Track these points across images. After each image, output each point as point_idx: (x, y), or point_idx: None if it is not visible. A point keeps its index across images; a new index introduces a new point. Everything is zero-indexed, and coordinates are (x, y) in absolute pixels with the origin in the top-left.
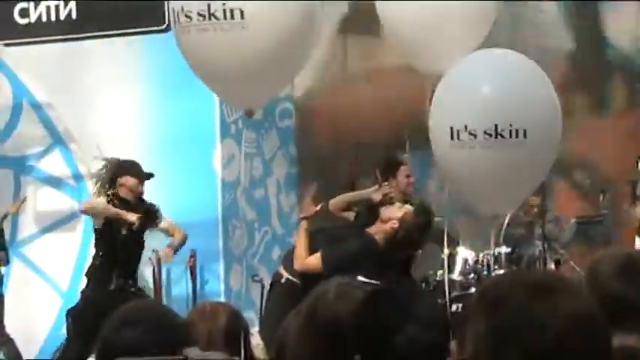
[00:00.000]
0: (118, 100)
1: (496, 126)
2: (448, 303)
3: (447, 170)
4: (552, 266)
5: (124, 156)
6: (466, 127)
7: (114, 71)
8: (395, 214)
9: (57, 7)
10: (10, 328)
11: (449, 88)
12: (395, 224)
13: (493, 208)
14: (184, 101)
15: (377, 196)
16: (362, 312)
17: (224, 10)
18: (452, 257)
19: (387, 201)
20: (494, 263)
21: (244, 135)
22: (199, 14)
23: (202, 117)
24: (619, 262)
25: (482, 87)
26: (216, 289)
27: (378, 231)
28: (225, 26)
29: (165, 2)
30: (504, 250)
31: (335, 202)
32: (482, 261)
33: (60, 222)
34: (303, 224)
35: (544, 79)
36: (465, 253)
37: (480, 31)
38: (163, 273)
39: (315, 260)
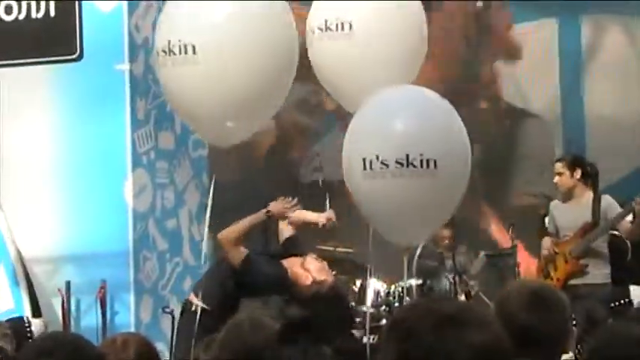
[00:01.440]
0: (28, 129)
1: (407, 156)
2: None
3: (359, 200)
4: (462, 298)
5: (34, 185)
6: (378, 156)
7: (24, 99)
8: (318, 274)
9: None
10: None
11: (362, 120)
12: (308, 281)
13: (405, 238)
14: (96, 131)
15: (322, 220)
16: (277, 343)
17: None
18: (363, 289)
19: (331, 226)
20: (406, 295)
21: (157, 165)
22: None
23: (114, 147)
24: (526, 295)
25: (394, 119)
26: (126, 320)
27: (292, 270)
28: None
29: (78, 30)
30: (415, 282)
31: (227, 235)
32: (394, 293)
33: None
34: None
35: (454, 114)
36: (376, 285)
37: (407, 75)
38: (72, 304)
39: (238, 248)
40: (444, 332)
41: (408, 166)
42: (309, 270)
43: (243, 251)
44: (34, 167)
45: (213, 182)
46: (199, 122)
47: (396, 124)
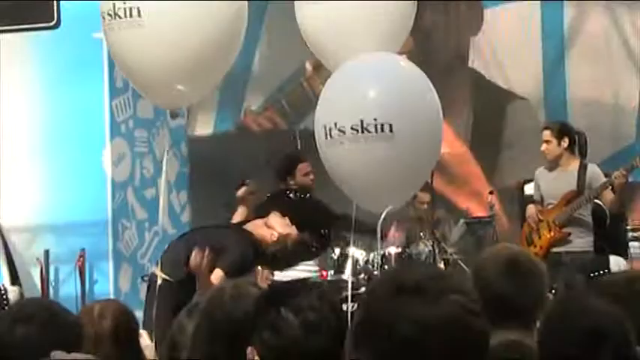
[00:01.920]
0: (5, 99)
1: (362, 121)
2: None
3: (328, 168)
4: (441, 265)
5: (12, 155)
6: (336, 124)
7: (0, 69)
8: (282, 229)
9: None
10: None
11: (328, 88)
12: (274, 237)
13: (375, 204)
14: (74, 100)
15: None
16: (256, 311)
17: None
18: (343, 257)
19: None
20: (385, 263)
21: (135, 134)
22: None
23: (92, 116)
24: (503, 262)
25: (356, 85)
26: (105, 289)
27: (257, 232)
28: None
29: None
30: (394, 249)
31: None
32: (373, 261)
33: None
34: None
35: (421, 81)
36: (355, 253)
37: (392, 44)
38: (51, 273)
39: (218, 278)
40: (399, 301)
41: (363, 132)
42: (272, 227)
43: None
44: (12, 136)
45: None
46: (149, 87)
47: (355, 91)
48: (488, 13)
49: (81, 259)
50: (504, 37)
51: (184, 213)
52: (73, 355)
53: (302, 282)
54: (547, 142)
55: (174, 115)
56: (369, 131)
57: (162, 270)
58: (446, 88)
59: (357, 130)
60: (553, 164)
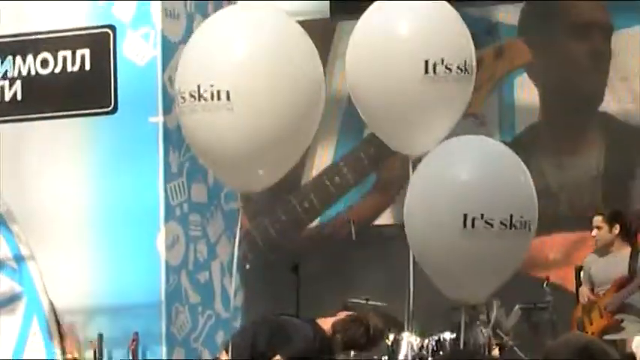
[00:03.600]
0: (63, 181)
1: (198, 87)
2: None
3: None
4: (496, 352)
5: (67, 236)
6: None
7: (59, 152)
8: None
9: (2, 88)
10: None
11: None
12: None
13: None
14: (129, 184)
15: None
16: None
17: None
18: (397, 342)
19: None
20: (439, 349)
21: (190, 218)
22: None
23: (147, 199)
24: (576, 349)
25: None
26: None
27: (326, 327)
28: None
29: (112, 84)
30: (449, 335)
31: None
32: (427, 346)
33: (1, 303)
34: None
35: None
36: (409, 338)
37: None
38: (105, 356)
39: None
40: None
41: (199, 99)
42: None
43: None
44: (68, 219)
45: (237, 234)
46: (228, 169)
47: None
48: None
49: (134, 342)
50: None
51: (237, 297)
52: None
53: None
54: (598, 227)
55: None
56: (205, 99)
57: (229, 353)
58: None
59: (195, 98)
60: (604, 250)
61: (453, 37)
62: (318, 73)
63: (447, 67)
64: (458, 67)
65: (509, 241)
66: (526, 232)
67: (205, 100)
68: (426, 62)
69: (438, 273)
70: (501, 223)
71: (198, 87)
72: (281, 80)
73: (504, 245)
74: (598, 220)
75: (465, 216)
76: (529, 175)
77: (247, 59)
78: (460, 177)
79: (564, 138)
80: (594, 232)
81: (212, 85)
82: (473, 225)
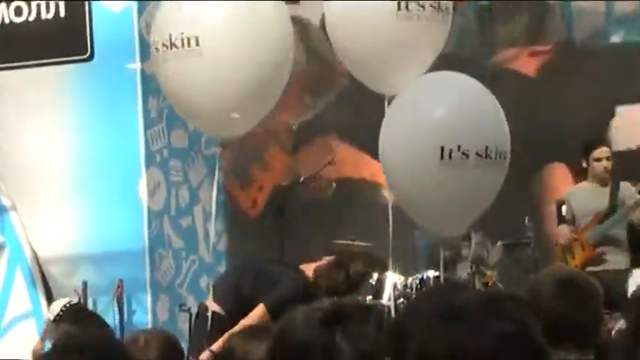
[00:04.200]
0: (41, 131)
1: (170, 36)
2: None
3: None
4: (480, 288)
5: (48, 186)
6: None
7: (36, 101)
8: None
9: None
10: None
11: None
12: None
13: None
14: (109, 131)
15: None
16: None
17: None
18: (380, 282)
19: None
20: (423, 287)
21: (170, 163)
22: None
23: (127, 146)
24: (559, 282)
25: None
26: (143, 319)
27: (309, 272)
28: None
29: (88, 31)
30: (432, 273)
31: None
32: (411, 285)
33: None
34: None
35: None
36: (393, 278)
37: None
38: (90, 304)
39: (260, 314)
40: (443, 329)
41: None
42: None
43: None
44: (48, 168)
45: (216, 178)
46: (202, 115)
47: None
48: None
49: (119, 289)
50: None
51: (221, 241)
52: None
53: (363, 307)
54: (607, 158)
55: (224, 144)
56: (176, 47)
57: (214, 300)
58: None
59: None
60: (594, 181)
61: None
62: (287, 29)
63: (420, 7)
64: (431, 5)
65: (486, 171)
66: (502, 162)
67: (177, 47)
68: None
69: (416, 206)
70: (477, 154)
71: (170, 36)
72: (247, 30)
73: (481, 175)
74: (606, 150)
75: (442, 148)
76: (501, 110)
77: (215, 8)
78: (436, 111)
79: None
80: (604, 162)
81: (182, 33)
82: (450, 156)
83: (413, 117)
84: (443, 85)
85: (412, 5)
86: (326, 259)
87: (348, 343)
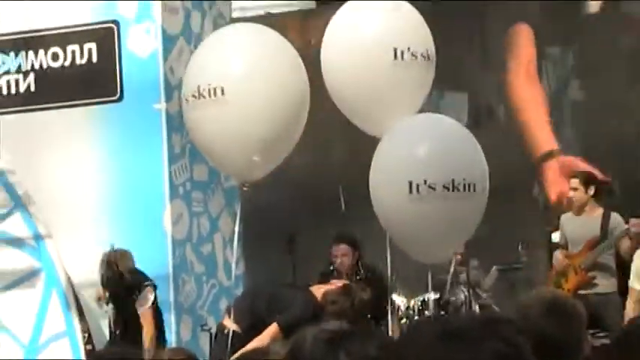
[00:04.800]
0: (75, 165)
1: (198, 87)
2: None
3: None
4: (477, 309)
5: (81, 216)
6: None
7: (71, 138)
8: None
9: (17, 81)
10: None
11: None
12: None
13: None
14: (136, 166)
15: None
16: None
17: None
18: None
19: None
20: (424, 309)
21: (192, 195)
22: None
23: (152, 179)
24: (546, 304)
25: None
26: (168, 338)
27: (319, 294)
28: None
29: (118, 74)
30: (432, 296)
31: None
32: (413, 307)
33: (21, 279)
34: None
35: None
36: (397, 300)
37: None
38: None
39: (274, 332)
40: (441, 348)
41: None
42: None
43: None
44: (81, 200)
45: (238, 211)
46: (226, 159)
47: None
48: None
49: None
50: None
51: (239, 267)
52: None
53: (364, 328)
54: (575, 189)
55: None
56: (204, 96)
57: (231, 319)
58: None
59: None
60: (579, 210)
61: (418, 28)
62: (303, 81)
63: (413, 55)
64: (421, 55)
65: (454, 202)
66: (472, 193)
67: (204, 97)
68: (395, 50)
69: (396, 236)
70: (444, 186)
71: (198, 87)
72: (267, 79)
73: (450, 206)
74: (574, 182)
75: (410, 183)
76: (475, 144)
77: (240, 64)
78: (405, 149)
79: None
80: (571, 193)
81: (209, 84)
82: (418, 190)
83: (386, 156)
84: (419, 126)
85: (407, 55)
86: (334, 283)
87: None
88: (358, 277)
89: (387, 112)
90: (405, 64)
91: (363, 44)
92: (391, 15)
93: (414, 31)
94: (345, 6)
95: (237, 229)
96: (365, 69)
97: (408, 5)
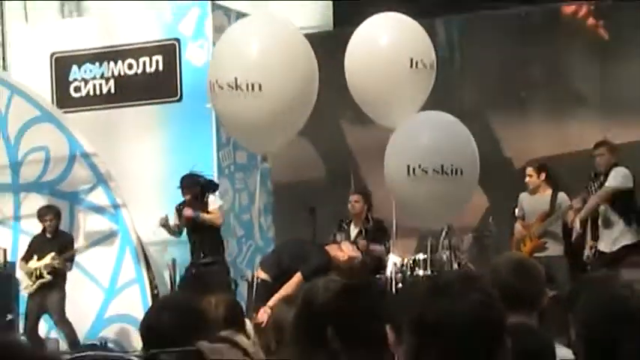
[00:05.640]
0: (143, 151)
1: (236, 79)
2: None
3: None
4: (455, 266)
5: (148, 191)
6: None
7: (141, 129)
8: (350, 253)
9: (100, 85)
10: (68, 314)
11: None
12: (344, 258)
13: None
14: (192, 151)
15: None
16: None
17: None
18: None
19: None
20: (415, 265)
21: (235, 175)
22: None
23: (204, 162)
24: (513, 265)
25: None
26: None
27: (332, 252)
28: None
29: (178, 79)
30: (421, 256)
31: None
32: (406, 264)
33: (102, 238)
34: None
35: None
36: (394, 258)
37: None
38: (177, 274)
39: (298, 280)
40: (434, 298)
41: (236, 88)
42: (344, 251)
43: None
44: (149, 177)
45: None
46: (252, 136)
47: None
48: None
49: None
50: None
51: (270, 231)
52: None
53: (370, 280)
54: (530, 175)
55: (265, 159)
56: (241, 89)
57: (262, 271)
58: None
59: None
60: (534, 191)
61: (425, 42)
62: (315, 68)
63: (423, 65)
64: (430, 64)
65: (443, 183)
66: (459, 176)
67: (242, 90)
68: (411, 59)
69: (400, 207)
70: (434, 170)
71: (236, 79)
72: (296, 78)
73: (439, 187)
74: (529, 170)
75: (408, 166)
76: (468, 136)
77: (275, 63)
78: (406, 139)
79: None
80: (527, 178)
81: (247, 79)
82: (414, 173)
83: (393, 144)
84: (421, 121)
85: (420, 64)
86: (345, 243)
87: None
88: (367, 225)
89: (401, 110)
90: (418, 71)
91: (383, 54)
92: (405, 30)
93: (423, 44)
94: (365, 23)
95: (257, 204)
96: (386, 75)
97: (412, 21)
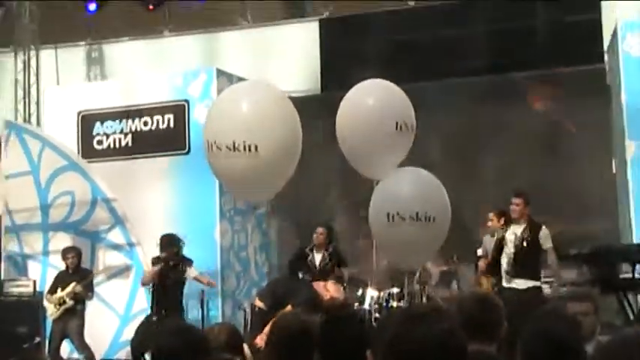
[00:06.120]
0: (156, 196)
1: (234, 142)
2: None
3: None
4: (425, 300)
5: (158, 231)
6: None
7: (154, 177)
8: (334, 293)
9: (119, 139)
10: (88, 338)
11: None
12: (327, 297)
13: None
14: (197, 196)
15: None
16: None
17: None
18: (363, 295)
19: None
20: (390, 298)
21: (235, 218)
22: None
23: (208, 206)
24: (477, 299)
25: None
26: (216, 314)
27: (319, 289)
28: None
29: (187, 135)
30: (395, 290)
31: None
32: (382, 297)
33: (119, 272)
34: None
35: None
36: (372, 292)
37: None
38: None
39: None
40: (407, 326)
41: (234, 150)
42: (329, 291)
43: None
44: (159, 219)
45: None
46: (245, 189)
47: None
48: None
49: (202, 296)
50: None
51: (264, 267)
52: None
53: (350, 310)
54: (491, 220)
55: (257, 207)
56: (238, 150)
57: (259, 300)
58: None
59: (233, 148)
60: (494, 233)
61: (408, 106)
62: (298, 131)
63: (406, 127)
64: (411, 126)
65: (417, 229)
66: (431, 223)
67: (239, 151)
68: (396, 123)
69: (384, 250)
70: (410, 217)
71: (234, 142)
72: (287, 139)
73: (414, 232)
74: (491, 215)
75: (388, 214)
76: (440, 188)
77: (270, 127)
78: (387, 190)
79: None
80: (489, 223)
81: (244, 141)
82: (393, 219)
83: (377, 194)
84: (400, 176)
85: (403, 127)
86: (331, 282)
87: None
88: (329, 250)
89: (384, 165)
90: (402, 133)
91: (372, 117)
92: (391, 95)
93: (406, 108)
94: (355, 88)
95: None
96: (373, 135)
97: (396, 87)
